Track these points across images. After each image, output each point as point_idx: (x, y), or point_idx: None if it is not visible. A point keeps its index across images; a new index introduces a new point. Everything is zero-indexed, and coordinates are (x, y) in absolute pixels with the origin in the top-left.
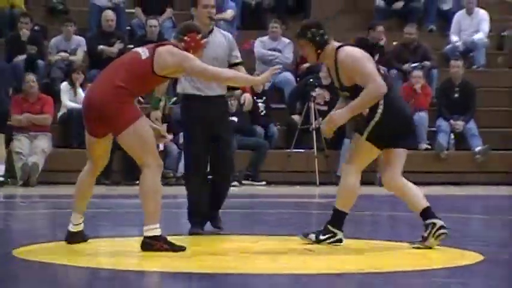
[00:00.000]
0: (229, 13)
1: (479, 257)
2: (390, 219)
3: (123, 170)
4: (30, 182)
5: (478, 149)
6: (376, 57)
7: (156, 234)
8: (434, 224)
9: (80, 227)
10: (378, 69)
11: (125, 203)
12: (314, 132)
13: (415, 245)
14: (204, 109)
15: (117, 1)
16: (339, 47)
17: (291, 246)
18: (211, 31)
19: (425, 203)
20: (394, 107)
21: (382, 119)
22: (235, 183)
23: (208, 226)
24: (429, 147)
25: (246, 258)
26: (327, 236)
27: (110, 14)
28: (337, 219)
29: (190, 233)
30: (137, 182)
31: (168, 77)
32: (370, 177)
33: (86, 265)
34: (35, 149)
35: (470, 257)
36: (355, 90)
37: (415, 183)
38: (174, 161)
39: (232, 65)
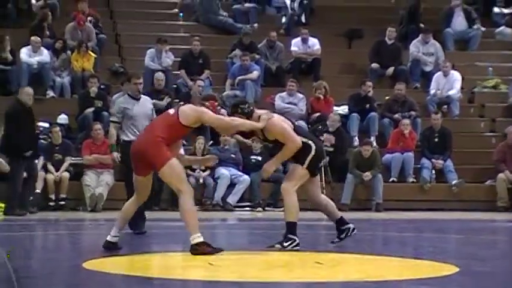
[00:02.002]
0: (254, 74)
1: (455, 269)
2: (383, 238)
3: (170, 198)
4: (97, 208)
5: (454, 182)
6: (367, 105)
7: (199, 241)
8: (349, 228)
9: (116, 239)
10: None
11: (172, 225)
12: (322, 168)
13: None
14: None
15: (166, 65)
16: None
17: (304, 259)
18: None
19: (339, 214)
20: (319, 145)
21: (316, 153)
22: (259, 208)
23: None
24: (415, 180)
25: (266, 269)
26: (289, 242)
27: (160, 75)
28: (293, 229)
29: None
30: None
31: (191, 126)
32: (367, 204)
33: (137, 274)
34: (101, 182)
35: (448, 269)
36: (275, 142)
37: (403, 210)
38: (210, 191)
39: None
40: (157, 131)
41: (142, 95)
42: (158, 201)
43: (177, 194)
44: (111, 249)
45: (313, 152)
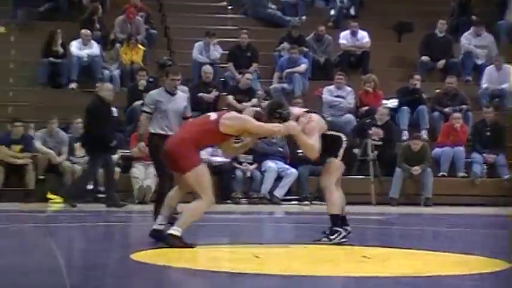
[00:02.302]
0: (302, 67)
1: (506, 265)
2: (432, 233)
3: (217, 192)
4: (145, 200)
5: (506, 177)
6: (416, 99)
7: (176, 234)
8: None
9: (162, 227)
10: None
11: (219, 218)
12: (371, 162)
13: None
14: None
15: (214, 58)
16: (305, 112)
17: (350, 253)
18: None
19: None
20: (350, 137)
21: (348, 145)
22: (306, 202)
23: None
24: (465, 175)
25: (313, 263)
26: (335, 235)
27: (208, 68)
28: (337, 222)
29: None
30: (228, 201)
31: (232, 134)
32: (416, 199)
33: (185, 266)
34: (149, 174)
35: (499, 265)
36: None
37: (453, 204)
38: (257, 184)
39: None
40: (192, 134)
41: (179, 91)
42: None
43: (197, 197)
44: (157, 237)
45: (344, 144)
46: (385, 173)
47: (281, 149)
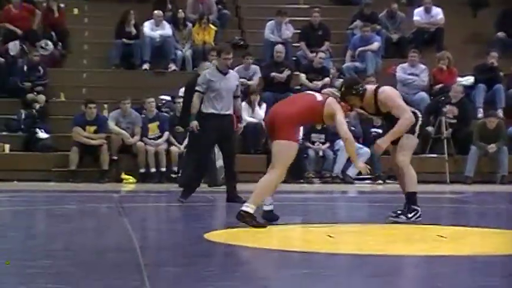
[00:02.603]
0: (375, 45)
1: None
2: (508, 211)
3: (290, 171)
4: (218, 181)
5: None
6: (493, 76)
7: (249, 211)
8: (417, 211)
9: (271, 207)
10: (406, 102)
11: (291, 197)
12: (445, 140)
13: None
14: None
15: (285, 37)
16: (377, 87)
17: (425, 233)
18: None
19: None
20: (422, 113)
21: (422, 121)
22: (380, 181)
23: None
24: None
25: (386, 242)
26: (413, 213)
27: (280, 48)
28: (414, 200)
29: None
30: (301, 180)
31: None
32: (491, 177)
33: (257, 246)
34: (221, 155)
35: None
36: (388, 116)
37: None
38: (330, 163)
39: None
40: (300, 110)
41: (230, 71)
42: None
43: (272, 167)
44: (268, 217)
45: (420, 121)
46: (460, 151)
47: (354, 128)
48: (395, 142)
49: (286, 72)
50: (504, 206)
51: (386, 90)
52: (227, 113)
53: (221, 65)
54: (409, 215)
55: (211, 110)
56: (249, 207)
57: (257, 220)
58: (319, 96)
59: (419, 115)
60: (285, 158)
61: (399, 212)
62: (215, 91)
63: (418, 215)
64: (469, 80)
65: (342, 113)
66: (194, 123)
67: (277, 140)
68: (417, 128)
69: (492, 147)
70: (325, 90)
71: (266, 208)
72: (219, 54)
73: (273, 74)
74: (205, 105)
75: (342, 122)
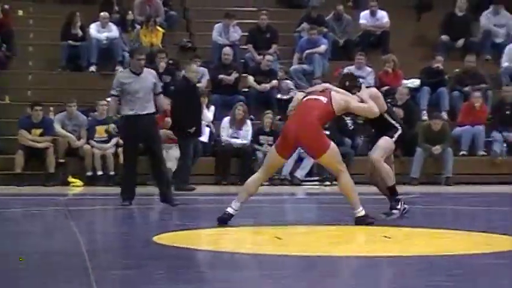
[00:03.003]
0: (322, 48)
1: None
2: (453, 212)
3: (238, 173)
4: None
5: None
6: (438, 79)
7: (362, 214)
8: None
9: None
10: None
11: None
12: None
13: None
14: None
15: (233, 40)
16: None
17: (371, 233)
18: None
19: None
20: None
21: (403, 132)
22: (327, 183)
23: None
24: (485, 154)
25: (334, 244)
26: (399, 204)
27: (228, 50)
28: (395, 190)
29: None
30: None
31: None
32: (436, 178)
33: (207, 248)
34: (169, 157)
35: None
36: (374, 121)
37: (474, 183)
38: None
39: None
40: (316, 118)
41: (146, 70)
42: (226, 175)
43: (337, 174)
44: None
45: (400, 131)
46: (406, 153)
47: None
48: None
49: (234, 75)
50: (448, 207)
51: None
52: (144, 113)
53: (134, 66)
54: (398, 207)
55: (129, 112)
56: (357, 212)
57: (369, 216)
58: (322, 99)
59: (398, 126)
60: (337, 160)
61: (390, 211)
62: (130, 93)
63: (403, 203)
64: (415, 82)
65: (355, 99)
66: (111, 127)
67: (321, 155)
68: (396, 135)
69: (437, 149)
70: (318, 88)
71: (231, 212)
72: (132, 56)
73: (221, 76)
74: (123, 107)
75: (358, 106)
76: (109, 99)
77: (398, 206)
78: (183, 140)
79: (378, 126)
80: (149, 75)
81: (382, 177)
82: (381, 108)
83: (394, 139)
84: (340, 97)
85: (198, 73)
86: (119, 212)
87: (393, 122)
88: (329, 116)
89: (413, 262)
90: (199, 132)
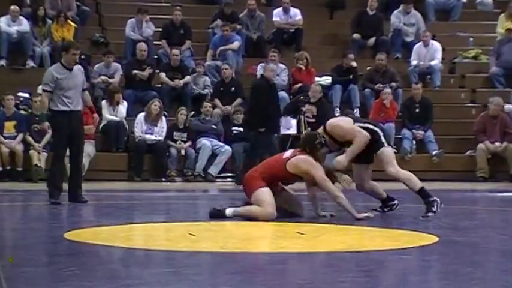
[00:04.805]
0: (235, 44)
1: (435, 239)
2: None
3: (152, 169)
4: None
5: (434, 152)
6: (350, 77)
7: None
8: (395, 204)
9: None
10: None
11: (153, 196)
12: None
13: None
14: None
15: (146, 35)
16: (324, 126)
17: (285, 230)
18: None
19: (384, 194)
20: (379, 126)
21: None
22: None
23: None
24: (396, 151)
25: (248, 240)
26: (435, 205)
27: (143, 45)
28: (426, 193)
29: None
30: (163, 179)
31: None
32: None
33: (119, 245)
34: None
35: (429, 239)
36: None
37: (383, 180)
38: (192, 162)
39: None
40: (263, 168)
41: (75, 65)
42: (140, 171)
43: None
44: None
45: (380, 133)
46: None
47: (215, 126)
48: (358, 162)
49: (149, 70)
50: (360, 203)
51: (333, 123)
52: (77, 109)
53: (68, 61)
54: (433, 208)
55: (63, 108)
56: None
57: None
58: (288, 153)
59: (377, 129)
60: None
61: (426, 212)
62: (64, 88)
63: (439, 202)
64: (327, 80)
65: (319, 171)
66: (46, 124)
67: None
68: (383, 139)
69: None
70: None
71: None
72: (66, 50)
73: (135, 71)
74: (55, 103)
75: (321, 178)
76: (40, 93)
77: (434, 208)
78: (254, 137)
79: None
80: (79, 71)
81: (407, 185)
82: (352, 135)
83: (386, 144)
84: (301, 162)
85: (276, 71)
86: (29, 208)
87: (366, 125)
88: (281, 171)
89: (324, 258)
90: (276, 129)
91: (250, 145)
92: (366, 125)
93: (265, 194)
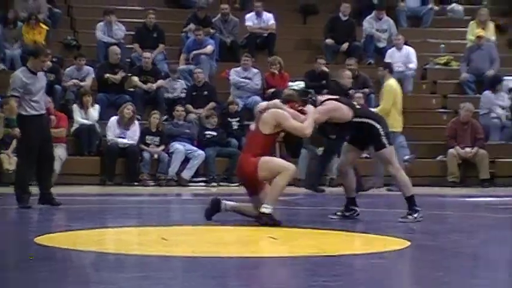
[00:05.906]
0: (209, 48)
1: (406, 243)
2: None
3: (124, 173)
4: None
5: (406, 157)
6: (323, 82)
7: (268, 212)
8: (355, 211)
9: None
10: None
11: (126, 200)
12: (277, 143)
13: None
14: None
15: (118, 37)
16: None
17: (258, 234)
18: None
19: (354, 194)
20: (382, 120)
21: (383, 128)
22: (214, 183)
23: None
24: (368, 155)
25: (220, 244)
26: (416, 213)
27: (116, 49)
28: (414, 202)
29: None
30: (136, 183)
31: (276, 132)
32: (322, 180)
33: (92, 249)
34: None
35: (400, 243)
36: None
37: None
38: (165, 166)
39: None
40: (251, 153)
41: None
42: (112, 175)
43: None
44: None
45: (381, 130)
46: (292, 155)
47: (188, 131)
48: (351, 143)
49: (121, 74)
50: (331, 208)
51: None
52: (44, 112)
53: (35, 67)
54: (415, 215)
55: (32, 112)
56: (266, 208)
57: (273, 218)
58: (252, 126)
59: (378, 126)
60: (275, 166)
61: (406, 215)
62: (32, 93)
63: (420, 214)
64: (300, 84)
65: (289, 119)
66: (17, 130)
67: (260, 177)
68: (385, 140)
69: (320, 150)
70: (270, 103)
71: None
72: (35, 56)
73: (107, 75)
74: (24, 108)
75: (293, 125)
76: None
77: (415, 215)
78: (329, 142)
79: (356, 130)
80: (42, 75)
81: (400, 188)
82: (345, 117)
83: (387, 143)
84: (269, 116)
85: (351, 79)
86: None
87: (366, 120)
88: (264, 141)
89: (297, 262)
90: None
91: (327, 151)
92: (366, 120)
93: (272, 159)
